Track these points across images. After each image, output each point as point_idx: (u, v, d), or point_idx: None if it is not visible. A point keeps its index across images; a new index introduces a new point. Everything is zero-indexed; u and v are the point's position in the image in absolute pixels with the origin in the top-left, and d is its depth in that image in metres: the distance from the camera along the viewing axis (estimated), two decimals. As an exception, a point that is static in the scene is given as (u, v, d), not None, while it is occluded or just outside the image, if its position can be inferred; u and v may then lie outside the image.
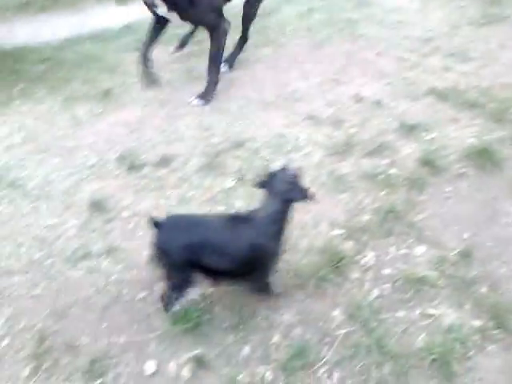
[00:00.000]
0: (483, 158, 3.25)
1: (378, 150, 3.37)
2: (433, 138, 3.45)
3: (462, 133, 3.50)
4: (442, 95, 3.91)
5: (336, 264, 2.59)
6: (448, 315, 2.37)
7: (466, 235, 2.78)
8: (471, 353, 2.21)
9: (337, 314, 2.39)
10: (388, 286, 2.52)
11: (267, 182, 2.27)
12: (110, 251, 2.76)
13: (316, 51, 4.80)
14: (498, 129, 3.52)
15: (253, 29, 4.53)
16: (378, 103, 3.85)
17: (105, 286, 2.58)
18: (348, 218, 2.88)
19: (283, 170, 2.28)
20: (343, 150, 3.39)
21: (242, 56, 4.61)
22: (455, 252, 2.66)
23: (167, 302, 2.37)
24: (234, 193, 3.08)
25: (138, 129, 3.76)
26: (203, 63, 4.09)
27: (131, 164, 3.36)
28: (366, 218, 2.87)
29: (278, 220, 2.24)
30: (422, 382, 2.12)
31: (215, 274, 2.31)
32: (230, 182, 3.16)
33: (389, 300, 2.46)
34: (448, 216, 2.90)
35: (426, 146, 3.37)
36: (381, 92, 4.00)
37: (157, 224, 2.23)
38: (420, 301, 2.44)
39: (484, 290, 2.48)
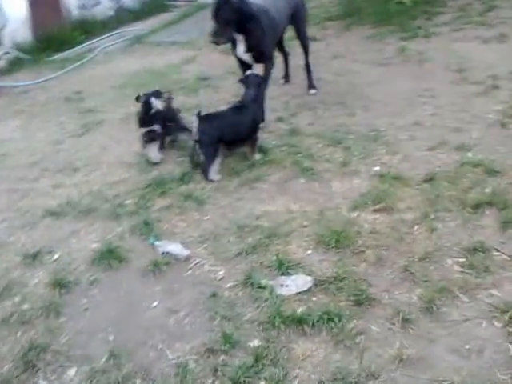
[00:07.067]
0: (109, 258, 3.45)
1: (6, 291, 3.25)
2: (58, 258, 3.52)
3: (84, 242, 3.67)
4: (57, 213, 4.01)
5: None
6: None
7: (111, 337, 2.89)
8: None
9: None
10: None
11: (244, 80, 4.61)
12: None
13: None
14: (116, 226, 3.81)
15: None
16: (-5, 242, 3.75)
17: None
18: (-12, 375, 2.71)
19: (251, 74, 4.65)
20: (-35, 303, 3.19)
21: None
22: (104, 359, 2.74)
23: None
24: None
25: None
26: None
27: None
28: (7, 367, 2.74)
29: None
30: None
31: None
32: None
33: None
34: (90, 327, 2.97)
35: (54, 268, 3.41)
36: (-3, 230, 3.91)
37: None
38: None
39: (139, 381, 2.62)
